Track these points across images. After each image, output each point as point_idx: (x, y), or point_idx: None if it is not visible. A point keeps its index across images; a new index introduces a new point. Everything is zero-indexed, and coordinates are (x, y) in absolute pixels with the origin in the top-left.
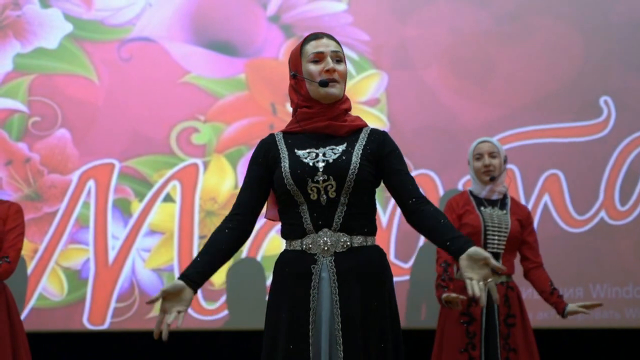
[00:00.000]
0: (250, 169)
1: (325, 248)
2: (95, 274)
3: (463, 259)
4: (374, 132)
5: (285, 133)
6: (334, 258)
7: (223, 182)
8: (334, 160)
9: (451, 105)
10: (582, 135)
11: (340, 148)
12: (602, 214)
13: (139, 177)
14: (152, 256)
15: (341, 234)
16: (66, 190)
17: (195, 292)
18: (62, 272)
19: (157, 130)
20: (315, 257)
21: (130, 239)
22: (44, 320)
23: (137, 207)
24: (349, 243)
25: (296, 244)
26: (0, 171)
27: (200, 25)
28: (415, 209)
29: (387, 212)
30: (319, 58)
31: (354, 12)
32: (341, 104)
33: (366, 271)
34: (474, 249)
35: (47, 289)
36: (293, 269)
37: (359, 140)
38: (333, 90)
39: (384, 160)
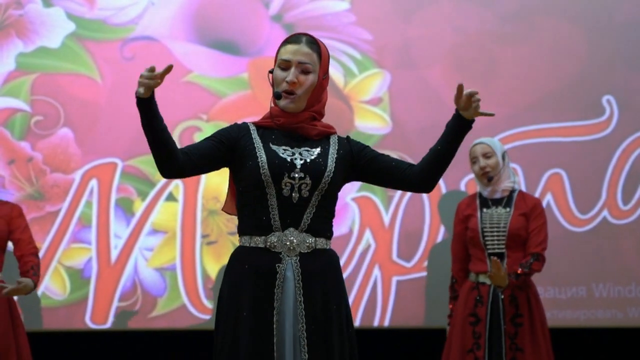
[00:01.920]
0: (220, 134)
1: (291, 247)
2: (97, 273)
3: (457, 113)
4: (340, 138)
5: (257, 126)
6: (299, 258)
7: (225, 181)
8: (311, 160)
9: (453, 104)
10: (584, 134)
11: (316, 151)
12: (605, 213)
13: (141, 176)
14: (155, 255)
15: (306, 234)
16: (69, 189)
17: (150, 98)
18: (64, 271)
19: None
20: (280, 255)
21: (133, 238)
22: (47, 319)
23: (139, 206)
24: (313, 245)
25: (259, 241)
26: (3, 170)
27: (202, 24)
28: (416, 169)
29: (390, 211)
30: (285, 66)
31: (357, 11)
32: (309, 110)
33: (327, 274)
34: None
35: (50, 288)
36: (255, 266)
37: (331, 146)
38: (286, 104)
39: (357, 156)
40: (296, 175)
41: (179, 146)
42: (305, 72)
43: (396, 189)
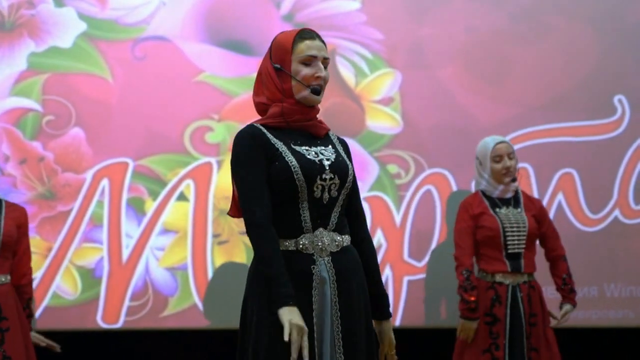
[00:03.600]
0: (253, 169)
1: (323, 248)
2: (109, 273)
3: (381, 326)
4: (339, 138)
5: (267, 127)
6: (330, 258)
7: None
8: (335, 159)
9: (466, 104)
10: (596, 134)
11: (331, 149)
12: (616, 212)
13: (152, 176)
14: (166, 255)
15: (334, 233)
16: (80, 188)
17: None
18: (75, 270)
19: (171, 129)
20: (313, 257)
21: (144, 237)
22: (58, 319)
23: (150, 206)
24: (341, 243)
25: (289, 244)
26: (15, 170)
27: (214, 24)
28: (365, 242)
29: (401, 211)
30: (310, 61)
31: (368, 11)
32: (316, 108)
33: (356, 271)
34: (389, 337)
35: (61, 288)
36: (289, 270)
37: (336, 144)
38: (319, 97)
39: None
40: (326, 176)
41: (192, 148)
42: (326, 66)
43: None
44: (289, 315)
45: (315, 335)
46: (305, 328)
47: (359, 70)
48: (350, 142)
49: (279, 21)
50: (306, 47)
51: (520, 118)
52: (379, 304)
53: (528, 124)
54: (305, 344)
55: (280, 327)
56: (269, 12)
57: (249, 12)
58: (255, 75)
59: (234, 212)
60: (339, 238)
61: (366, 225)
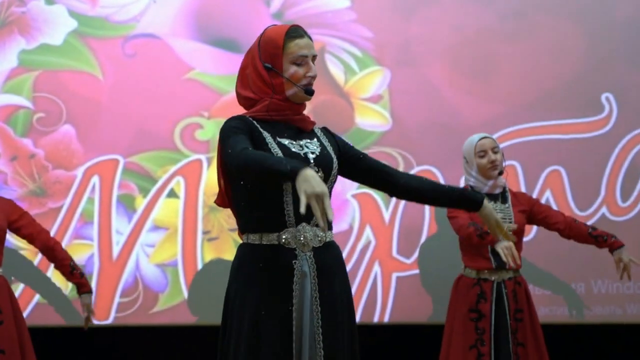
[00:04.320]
0: (241, 134)
1: (305, 243)
2: (99, 269)
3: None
4: (322, 129)
5: (257, 119)
6: (312, 253)
7: None
8: (320, 153)
9: (454, 102)
10: (583, 131)
11: (316, 143)
12: (604, 210)
13: (143, 172)
14: (156, 251)
15: (317, 228)
16: (71, 185)
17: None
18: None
19: (161, 126)
20: (295, 252)
21: (135, 234)
22: (50, 315)
23: (141, 203)
24: (324, 238)
25: (271, 238)
26: (5, 167)
27: (204, 22)
28: (405, 181)
29: (390, 208)
30: (302, 61)
31: (358, 9)
32: (304, 104)
33: (338, 266)
34: (486, 211)
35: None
36: (270, 264)
37: (321, 137)
38: (305, 95)
39: (346, 152)
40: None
41: (182, 146)
42: (313, 62)
43: (377, 189)
44: (305, 185)
45: (294, 330)
46: (325, 190)
47: (348, 67)
48: None
49: (269, 19)
50: (297, 47)
51: (507, 116)
52: (462, 200)
53: (516, 121)
54: (328, 206)
55: (255, 328)
56: (259, 10)
57: (239, 9)
58: None
59: (220, 201)
60: (321, 233)
61: (397, 171)
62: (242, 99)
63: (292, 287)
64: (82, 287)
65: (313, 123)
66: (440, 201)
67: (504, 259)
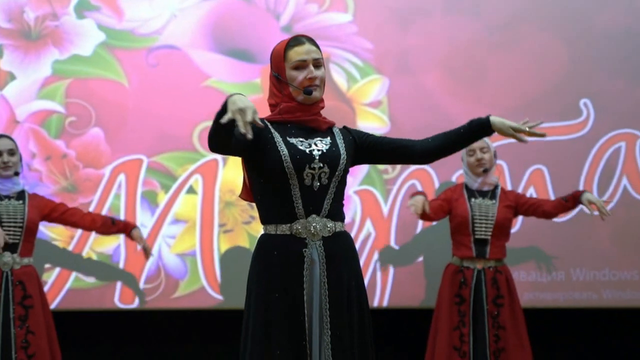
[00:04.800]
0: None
1: (315, 233)
2: (125, 259)
3: (488, 122)
4: (341, 129)
5: (271, 121)
6: (322, 242)
7: (240, 175)
8: (327, 150)
9: (447, 106)
10: (564, 134)
11: (327, 141)
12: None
13: (164, 171)
14: (177, 242)
15: (327, 219)
16: (99, 183)
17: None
18: (96, 256)
19: (181, 129)
20: (306, 241)
21: (157, 227)
22: (80, 300)
23: (163, 198)
24: (333, 228)
25: (284, 228)
26: (40, 166)
27: (220, 35)
28: (425, 147)
29: (388, 203)
30: (302, 65)
31: (359, 23)
32: (320, 103)
33: (347, 254)
34: (497, 124)
35: (82, 272)
36: (283, 252)
37: (336, 136)
38: (315, 94)
39: (362, 141)
40: (315, 165)
41: (200, 147)
42: (318, 66)
43: (403, 163)
44: (231, 106)
45: (305, 312)
46: (247, 105)
47: (351, 76)
48: None
49: (279, 31)
50: (295, 53)
51: None
52: (472, 130)
53: None
54: (252, 118)
55: (269, 308)
56: (270, 24)
57: (252, 23)
58: (256, 80)
59: (244, 195)
60: (330, 224)
61: (412, 141)
62: (269, 107)
63: (303, 272)
64: (127, 227)
65: (328, 123)
66: (457, 144)
67: (602, 210)
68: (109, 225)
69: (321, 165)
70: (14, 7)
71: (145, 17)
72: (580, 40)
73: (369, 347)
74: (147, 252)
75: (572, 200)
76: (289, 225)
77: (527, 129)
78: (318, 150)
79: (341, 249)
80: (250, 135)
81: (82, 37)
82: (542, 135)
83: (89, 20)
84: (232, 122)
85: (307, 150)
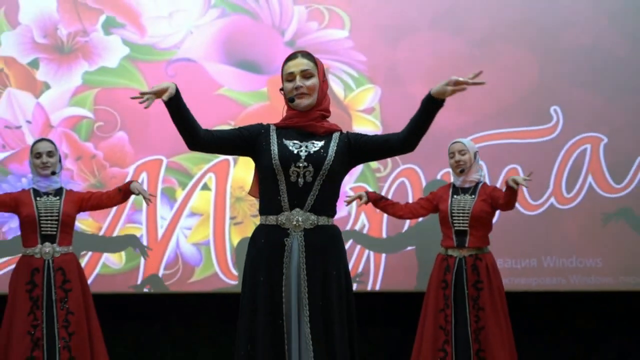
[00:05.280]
0: (245, 127)
1: (297, 224)
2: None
3: (431, 97)
4: (342, 134)
5: (277, 126)
6: (303, 233)
7: (249, 174)
8: (314, 151)
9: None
10: (536, 137)
11: (319, 144)
12: (552, 200)
13: (182, 170)
14: (193, 233)
15: (310, 213)
16: (124, 180)
17: (173, 95)
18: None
19: None
20: (288, 231)
21: (175, 219)
22: (106, 284)
23: (180, 194)
24: (315, 222)
25: (272, 219)
26: (72, 165)
27: (231, 48)
28: (400, 136)
29: None
30: (291, 77)
31: (354, 38)
32: (316, 109)
33: (327, 245)
34: (436, 90)
35: (109, 259)
36: (269, 240)
37: (332, 140)
38: (300, 102)
39: (356, 142)
40: (300, 164)
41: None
42: (308, 76)
43: (390, 155)
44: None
45: (283, 295)
46: (163, 85)
47: (347, 85)
48: None
49: (283, 46)
50: (287, 67)
51: (475, 124)
52: (426, 107)
53: (482, 129)
54: (160, 88)
55: (256, 289)
56: (275, 39)
57: (259, 39)
58: (263, 89)
59: (252, 192)
60: (313, 217)
61: (394, 134)
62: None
63: (284, 260)
64: (127, 184)
65: (328, 128)
66: (420, 123)
67: (522, 183)
68: (118, 194)
69: (306, 164)
70: (49, 24)
71: (165, 33)
72: (550, 55)
73: (350, 328)
74: (146, 199)
75: (507, 187)
76: (275, 216)
77: (470, 80)
78: (306, 151)
79: (322, 240)
80: (148, 103)
81: (109, 51)
82: (482, 84)
83: (115, 36)
84: (182, 115)
85: (296, 151)
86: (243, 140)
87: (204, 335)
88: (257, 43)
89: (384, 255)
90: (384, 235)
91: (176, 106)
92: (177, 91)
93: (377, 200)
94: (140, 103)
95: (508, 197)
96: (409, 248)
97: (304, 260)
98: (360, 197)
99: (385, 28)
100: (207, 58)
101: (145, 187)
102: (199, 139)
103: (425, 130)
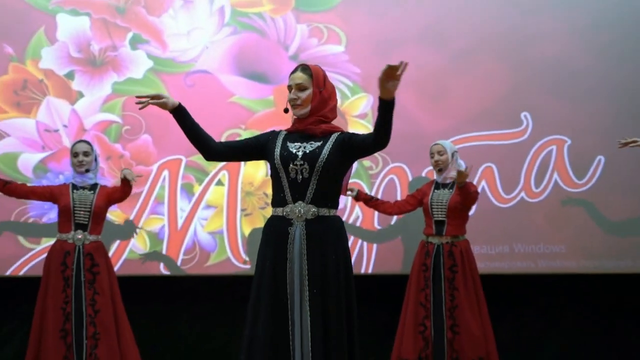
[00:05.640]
0: (255, 136)
1: (299, 215)
2: (168, 236)
3: (380, 100)
4: (341, 134)
5: (287, 131)
6: (305, 223)
7: (257, 171)
8: (310, 151)
9: (417, 117)
10: (508, 139)
11: (317, 144)
12: (522, 194)
13: (199, 168)
14: (208, 223)
15: (311, 205)
16: (148, 177)
17: (176, 109)
18: (145, 234)
19: (211, 135)
20: (292, 221)
21: (193, 211)
22: (133, 267)
23: (197, 189)
24: (316, 212)
25: (279, 211)
26: (103, 164)
27: (242, 62)
28: (372, 136)
29: (372, 192)
30: (290, 89)
31: (349, 53)
32: (313, 115)
33: (327, 234)
34: (380, 89)
35: (135, 246)
36: (276, 229)
37: (330, 140)
38: (295, 112)
39: (348, 141)
40: (298, 162)
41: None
42: (302, 89)
43: (370, 154)
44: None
45: (287, 277)
46: (160, 94)
47: (343, 94)
48: None
49: (287, 60)
50: (289, 80)
51: (455, 127)
52: (381, 109)
53: (461, 131)
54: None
55: (263, 272)
56: (281, 53)
57: (266, 53)
58: (270, 97)
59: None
60: (314, 209)
61: (369, 134)
62: None
63: (287, 246)
64: (123, 174)
65: (325, 130)
66: (381, 123)
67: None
68: (123, 184)
69: (302, 162)
70: (83, 41)
71: (184, 48)
72: (520, 66)
73: (347, 305)
74: (132, 180)
75: (457, 188)
76: (282, 208)
77: (396, 64)
78: (303, 151)
79: (322, 229)
80: (140, 102)
81: (135, 64)
82: (405, 64)
83: (141, 51)
84: (193, 129)
85: (294, 151)
86: (253, 148)
87: (216, 311)
88: (264, 57)
89: (375, 244)
90: (376, 226)
91: (182, 118)
92: (180, 105)
93: (367, 200)
94: (136, 104)
95: (461, 196)
96: (397, 237)
97: (305, 246)
98: (351, 190)
99: (377, 43)
100: (221, 70)
101: (166, 183)
102: (211, 151)
103: (388, 129)
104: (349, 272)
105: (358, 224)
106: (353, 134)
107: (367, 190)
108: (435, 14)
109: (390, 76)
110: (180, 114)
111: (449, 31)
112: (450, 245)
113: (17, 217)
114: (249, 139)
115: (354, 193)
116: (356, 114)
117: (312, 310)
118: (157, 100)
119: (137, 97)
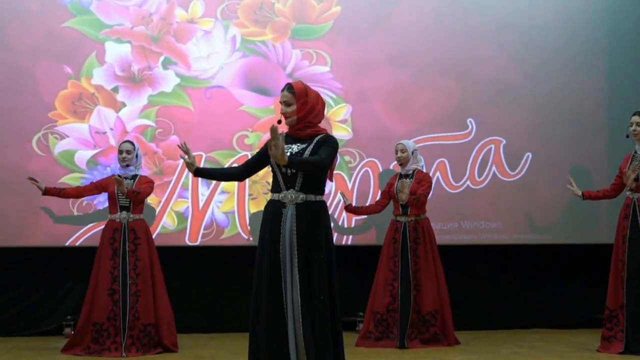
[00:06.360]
0: (261, 149)
1: (291, 200)
2: (192, 215)
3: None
4: (324, 136)
5: (287, 133)
6: (295, 206)
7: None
8: (296, 152)
9: (387, 123)
10: (458, 139)
11: (302, 145)
12: (468, 182)
13: (215, 161)
14: (223, 205)
15: (300, 192)
16: (176, 169)
17: (197, 171)
18: (174, 213)
19: (225, 135)
20: (285, 205)
21: (211, 195)
22: (165, 239)
23: None
24: (305, 198)
25: (276, 196)
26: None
27: (249, 79)
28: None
29: (351, 182)
30: (280, 104)
31: (334, 72)
32: (300, 123)
33: (316, 216)
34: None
35: (166, 223)
36: (273, 210)
37: (313, 142)
38: (286, 122)
39: (320, 146)
40: None
41: (237, 147)
42: (288, 104)
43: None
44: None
45: (280, 249)
46: (190, 161)
47: (328, 104)
48: None
49: (285, 77)
50: (280, 96)
51: (416, 130)
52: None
53: (421, 133)
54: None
55: (263, 244)
56: (279, 72)
57: (268, 72)
58: (271, 107)
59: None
60: (302, 195)
61: (314, 158)
62: None
63: (281, 224)
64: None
65: (310, 134)
66: (301, 170)
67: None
68: (134, 193)
69: None
70: (125, 63)
71: (204, 68)
72: (467, 83)
73: (329, 268)
74: (118, 183)
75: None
76: (277, 194)
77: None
78: (291, 151)
79: (308, 211)
80: (187, 158)
81: (166, 80)
82: (282, 133)
83: (170, 70)
84: (217, 175)
85: (286, 151)
86: (261, 158)
87: (229, 274)
88: (267, 75)
89: (353, 219)
90: (354, 203)
91: (205, 174)
92: (198, 168)
93: (356, 210)
94: (178, 146)
95: (412, 202)
96: (372, 217)
97: (295, 224)
98: (344, 197)
99: (355, 64)
100: (233, 85)
101: (190, 173)
102: (239, 177)
103: (302, 170)
104: (330, 243)
105: (340, 205)
106: (323, 142)
107: (346, 179)
108: (401, 42)
109: (274, 138)
110: (202, 173)
111: (412, 55)
112: (415, 222)
113: (73, 202)
114: (258, 153)
115: (346, 202)
116: (339, 119)
117: (300, 273)
118: (188, 159)
119: (179, 146)
